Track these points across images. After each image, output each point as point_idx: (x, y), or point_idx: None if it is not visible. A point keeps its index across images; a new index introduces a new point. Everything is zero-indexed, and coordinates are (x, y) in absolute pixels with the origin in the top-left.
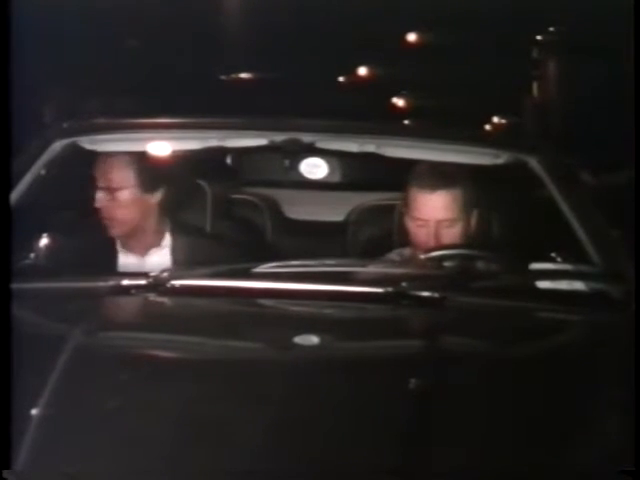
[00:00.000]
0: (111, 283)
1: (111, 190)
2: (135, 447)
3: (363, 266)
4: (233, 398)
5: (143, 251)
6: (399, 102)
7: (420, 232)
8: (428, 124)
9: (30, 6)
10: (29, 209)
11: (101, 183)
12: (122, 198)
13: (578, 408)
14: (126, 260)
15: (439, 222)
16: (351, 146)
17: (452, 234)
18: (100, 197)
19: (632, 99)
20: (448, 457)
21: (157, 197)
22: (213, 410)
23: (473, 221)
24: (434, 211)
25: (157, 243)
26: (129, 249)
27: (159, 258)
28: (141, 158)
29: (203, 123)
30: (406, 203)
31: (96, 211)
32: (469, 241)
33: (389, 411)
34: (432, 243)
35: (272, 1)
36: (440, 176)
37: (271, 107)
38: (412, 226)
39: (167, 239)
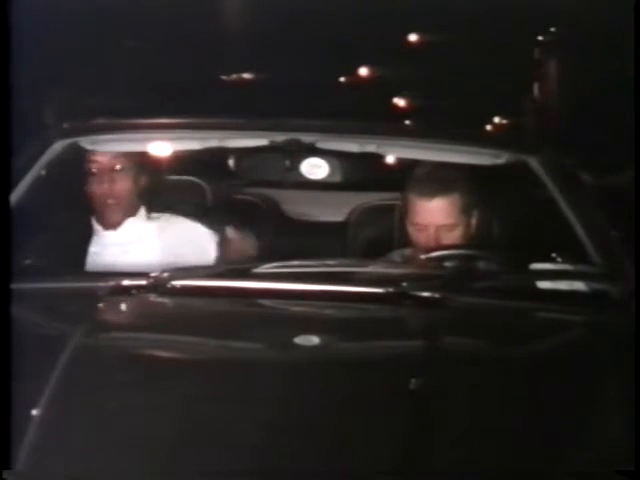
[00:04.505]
0: (111, 283)
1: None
2: (135, 447)
3: (364, 266)
4: (233, 398)
5: (116, 225)
6: (400, 102)
7: (420, 236)
8: (429, 124)
9: (30, 6)
10: (29, 209)
11: (98, 164)
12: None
13: (578, 408)
14: (99, 235)
15: (439, 227)
16: (352, 146)
17: (452, 237)
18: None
19: (632, 99)
20: (448, 457)
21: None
22: (213, 410)
23: (473, 222)
24: (433, 217)
25: (132, 216)
26: (105, 226)
27: (133, 228)
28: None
29: (204, 123)
30: (405, 207)
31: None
32: (470, 242)
33: (389, 411)
34: (432, 247)
35: (273, 1)
36: (439, 182)
37: (272, 107)
38: (412, 230)
39: (142, 212)
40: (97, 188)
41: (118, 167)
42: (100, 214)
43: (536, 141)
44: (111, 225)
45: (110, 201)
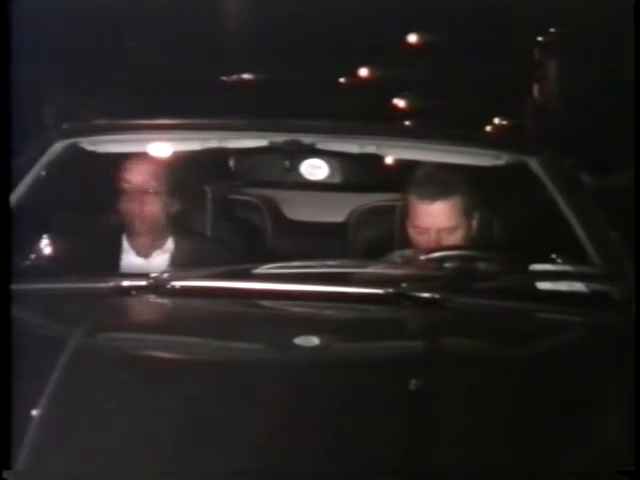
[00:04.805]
0: (111, 284)
1: (141, 192)
2: (135, 448)
3: (364, 267)
4: (233, 399)
5: (147, 252)
6: (400, 103)
7: (421, 238)
8: (429, 125)
9: (30, 6)
10: (29, 210)
11: (130, 184)
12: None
13: (578, 408)
14: (130, 260)
15: (439, 230)
16: (352, 147)
17: (452, 239)
18: (128, 197)
19: (632, 99)
20: (448, 457)
21: (177, 205)
22: (214, 411)
23: (474, 224)
24: (434, 220)
25: (161, 246)
26: (136, 250)
27: (162, 261)
28: (169, 164)
29: (204, 124)
30: (406, 210)
31: (110, 211)
32: (470, 243)
33: (390, 412)
34: (432, 248)
35: (273, 1)
36: (439, 185)
37: (272, 108)
38: (412, 232)
39: (170, 243)
40: (127, 207)
41: (150, 190)
42: (129, 232)
43: (536, 142)
44: (139, 247)
45: (138, 223)
